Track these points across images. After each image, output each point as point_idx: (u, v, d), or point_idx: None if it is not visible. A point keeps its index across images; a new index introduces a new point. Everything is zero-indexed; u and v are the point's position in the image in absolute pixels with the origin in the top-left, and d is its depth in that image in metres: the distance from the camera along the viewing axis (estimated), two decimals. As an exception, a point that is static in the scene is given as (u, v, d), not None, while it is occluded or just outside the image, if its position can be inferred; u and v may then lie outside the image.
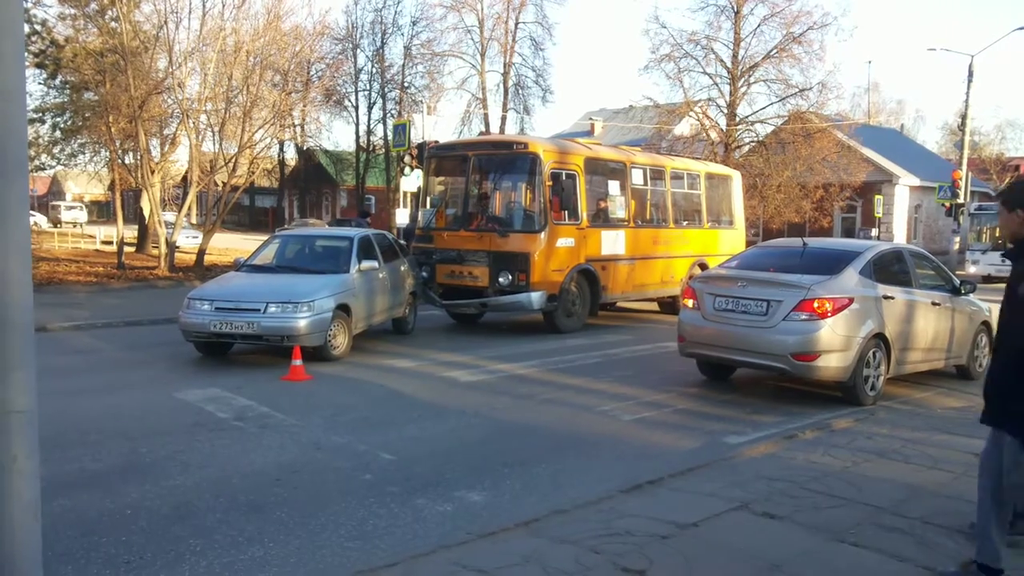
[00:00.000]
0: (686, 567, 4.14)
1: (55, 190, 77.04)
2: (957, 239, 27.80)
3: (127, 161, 24.45)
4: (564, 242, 13.00)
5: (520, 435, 7.11)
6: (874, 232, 32.44)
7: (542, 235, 12.66)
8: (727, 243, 17.13)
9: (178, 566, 4.28)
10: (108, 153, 25.32)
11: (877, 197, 33.31)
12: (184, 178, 28.30)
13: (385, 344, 11.76)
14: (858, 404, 8.28)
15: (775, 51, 30.70)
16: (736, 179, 18.66)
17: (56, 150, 26.94)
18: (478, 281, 12.92)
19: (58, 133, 26.26)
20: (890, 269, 8.98)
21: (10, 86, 2.83)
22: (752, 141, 32.56)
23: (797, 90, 30.84)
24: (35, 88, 25.36)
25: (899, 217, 37.62)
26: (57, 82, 25.08)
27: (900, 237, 36.28)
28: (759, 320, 8.21)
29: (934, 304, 9.16)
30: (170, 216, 25.62)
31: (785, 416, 7.93)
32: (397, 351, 11.22)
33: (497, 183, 14.22)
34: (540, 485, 5.75)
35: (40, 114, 24.97)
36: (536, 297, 12.62)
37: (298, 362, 9.15)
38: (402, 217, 19.92)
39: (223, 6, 21.63)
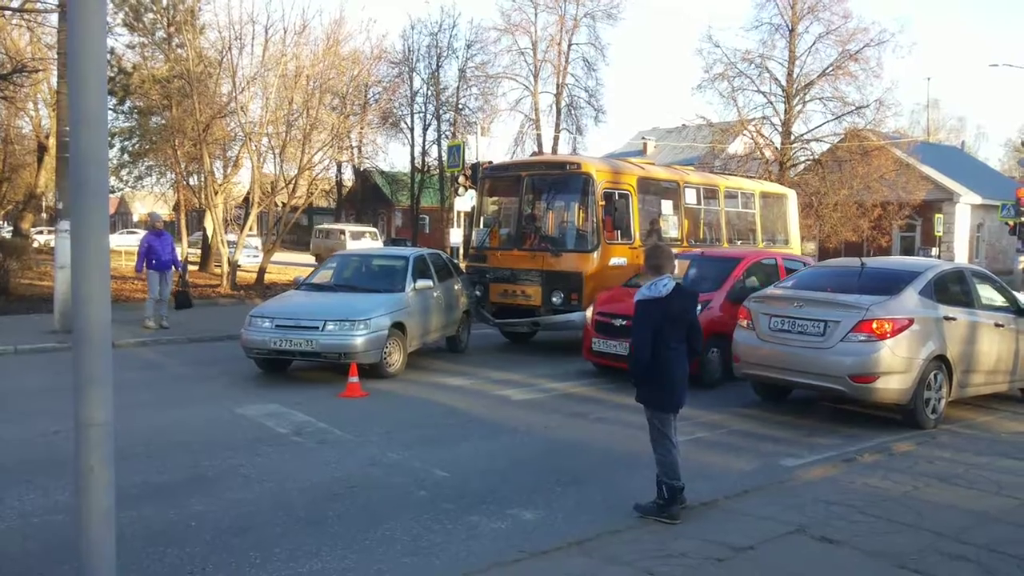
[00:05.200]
0: (741, 589, 4.11)
1: (122, 211, 79.43)
2: (1022, 259, 26.95)
3: (192, 183, 25.18)
4: (617, 261, 12.98)
5: (573, 453, 7.13)
6: (934, 251, 31.64)
7: (595, 254, 12.68)
8: (782, 263, 16.87)
9: (240, 577, 4.40)
10: (174, 175, 26.13)
11: (937, 216, 32.50)
12: (246, 199, 29.02)
13: (439, 362, 11.87)
14: (919, 427, 8.09)
15: (831, 69, 30.32)
16: (791, 198, 18.45)
17: (124, 173, 27.91)
18: (531, 300, 12.97)
19: (126, 156, 27.23)
20: (951, 289, 8.79)
21: (92, 113, 2.99)
22: (807, 159, 32.11)
23: (854, 108, 30.40)
24: (105, 113, 26.34)
25: (960, 236, 36.63)
26: (126, 108, 26.02)
27: (962, 256, 35.28)
28: (816, 341, 8.11)
29: (997, 325, 8.94)
30: (232, 236, 26.26)
31: (843, 439, 7.80)
32: (451, 369, 11.32)
33: (550, 203, 14.28)
34: (593, 504, 5.76)
35: (109, 138, 25.90)
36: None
37: (355, 379, 9.30)
38: (455, 237, 20.10)
39: (284, 32, 22.25)
